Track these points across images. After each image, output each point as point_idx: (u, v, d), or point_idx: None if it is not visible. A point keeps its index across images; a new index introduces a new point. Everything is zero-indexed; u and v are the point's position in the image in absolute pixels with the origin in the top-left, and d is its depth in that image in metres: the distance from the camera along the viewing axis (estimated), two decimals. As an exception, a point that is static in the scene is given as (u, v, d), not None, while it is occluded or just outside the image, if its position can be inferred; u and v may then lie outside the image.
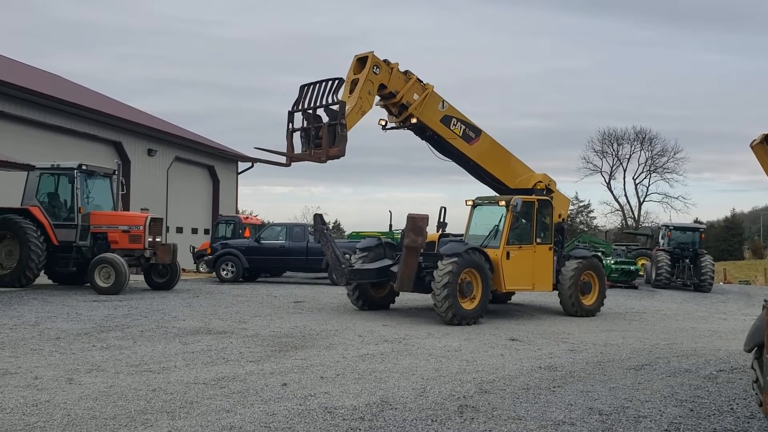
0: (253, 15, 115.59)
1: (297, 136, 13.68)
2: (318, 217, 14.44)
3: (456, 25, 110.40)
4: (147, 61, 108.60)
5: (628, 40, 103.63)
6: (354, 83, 13.61)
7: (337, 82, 13.24)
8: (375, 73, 13.66)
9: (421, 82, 14.52)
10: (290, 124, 13.71)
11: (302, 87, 13.59)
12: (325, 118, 13.22)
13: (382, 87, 13.97)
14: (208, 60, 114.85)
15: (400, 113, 14.54)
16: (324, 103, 13.25)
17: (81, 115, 24.28)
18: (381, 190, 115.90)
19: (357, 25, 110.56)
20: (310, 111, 13.45)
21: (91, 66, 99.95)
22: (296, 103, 13.65)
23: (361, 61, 13.81)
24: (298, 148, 13.71)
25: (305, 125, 13.54)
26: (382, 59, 13.90)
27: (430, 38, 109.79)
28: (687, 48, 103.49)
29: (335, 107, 13.03)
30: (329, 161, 13.28)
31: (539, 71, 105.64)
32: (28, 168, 17.50)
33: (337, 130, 12.93)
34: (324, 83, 13.32)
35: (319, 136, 13.17)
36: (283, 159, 13.76)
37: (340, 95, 13.33)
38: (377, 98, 14.40)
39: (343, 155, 13.13)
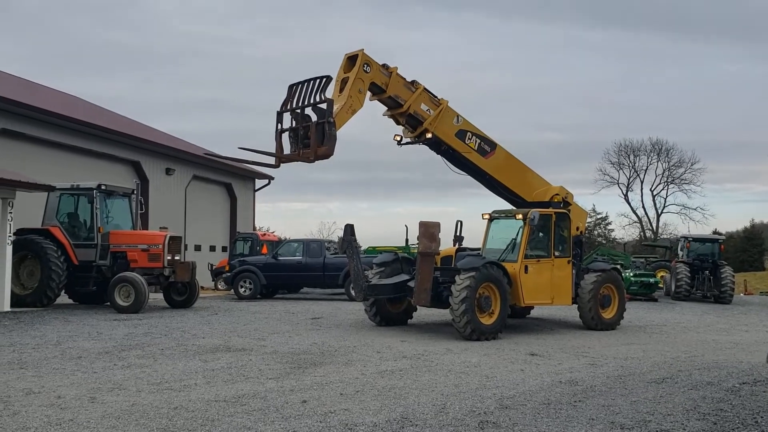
0: (274, 35, 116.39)
1: (286, 136, 13.31)
2: (348, 228, 14.35)
3: (473, 41, 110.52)
4: (170, 81, 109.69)
5: (646, 52, 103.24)
6: (344, 82, 13.32)
7: (324, 79, 12.85)
8: (365, 72, 13.34)
9: (436, 97, 14.52)
10: (279, 125, 13.34)
11: (291, 86, 13.26)
12: (314, 117, 12.89)
13: (379, 90, 13.72)
14: (230, 80, 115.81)
15: (414, 128, 14.55)
16: (312, 101, 12.91)
17: (100, 136, 24.58)
18: (397, 204, 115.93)
19: (376, 43, 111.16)
20: (299, 110, 13.10)
21: (115, 88, 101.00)
22: (284, 103, 13.30)
23: (352, 60, 13.50)
24: (288, 149, 13.34)
25: (294, 125, 13.21)
26: (380, 63, 13.68)
27: (448, 54, 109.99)
28: (708, 59, 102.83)
29: (323, 105, 12.73)
30: (318, 161, 12.94)
31: (556, 85, 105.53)
32: (49, 189, 17.73)
33: (325, 129, 12.62)
34: (312, 81, 12.95)
35: (308, 135, 12.85)
36: (271, 160, 13.42)
37: (330, 94, 13.04)
38: (385, 109, 14.34)
39: (332, 154, 12.78)
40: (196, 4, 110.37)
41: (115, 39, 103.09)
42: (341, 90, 13.28)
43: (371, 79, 13.49)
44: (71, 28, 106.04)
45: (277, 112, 13.37)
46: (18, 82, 27.36)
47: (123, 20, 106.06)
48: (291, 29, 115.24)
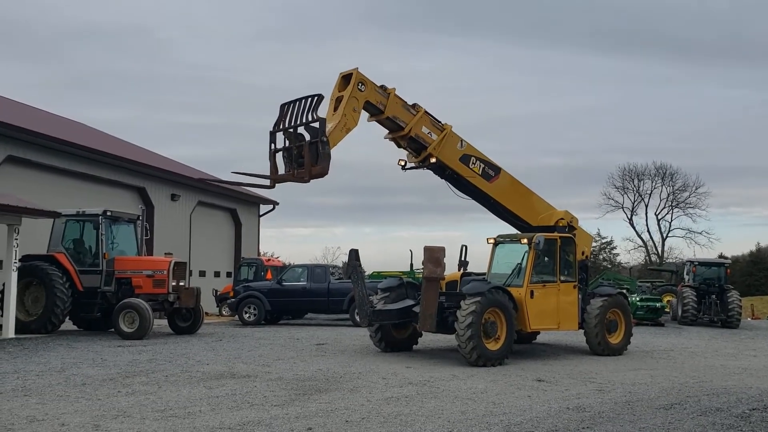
0: (279, 62, 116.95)
1: (280, 156, 13.19)
2: (353, 253, 14.32)
3: (478, 67, 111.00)
4: (175, 108, 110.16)
5: (650, 77, 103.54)
6: (339, 101, 13.27)
7: (316, 98, 12.76)
8: (360, 90, 13.27)
9: (439, 122, 14.59)
10: (272, 145, 13.21)
11: (282, 106, 13.17)
12: (308, 137, 12.79)
13: (377, 111, 13.70)
14: (235, 106, 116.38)
15: (417, 152, 14.59)
16: (304, 120, 12.81)
17: (105, 162, 24.71)
18: (402, 229, 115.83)
19: (382, 68, 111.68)
20: (291, 130, 12.99)
21: (122, 114, 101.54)
22: (277, 122, 13.18)
23: (346, 79, 13.46)
24: (282, 169, 13.22)
25: (287, 145, 13.11)
26: (378, 84, 13.67)
27: (453, 80, 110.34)
28: (710, 84, 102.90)
29: (315, 124, 12.65)
30: (312, 180, 12.79)
31: (561, 110, 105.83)
32: (54, 215, 17.78)
33: (319, 148, 12.52)
34: (303, 100, 12.87)
35: (302, 155, 12.75)
36: (266, 181, 13.31)
37: (324, 113, 12.98)
38: (386, 132, 14.37)
39: (326, 173, 12.66)
40: (202, 33, 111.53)
41: (123, 67, 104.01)
42: (336, 109, 13.25)
43: (366, 97, 13.44)
44: (80, 56, 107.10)
45: (270, 132, 13.27)
46: (23, 109, 27.57)
47: (131, 49, 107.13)
48: (296, 56, 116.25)
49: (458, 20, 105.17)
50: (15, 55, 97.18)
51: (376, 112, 13.87)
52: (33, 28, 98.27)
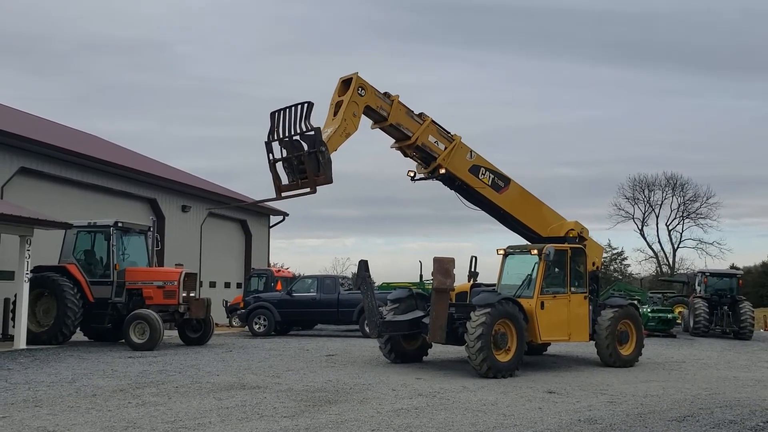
0: (289, 74, 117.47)
1: (280, 165, 13.08)
2: (362, 264, 14.33)
3: (488, 79, 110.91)
4: (189, 121, 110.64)
5: (661, 88, 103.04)
6: (339, 105, 13.24)
7: (306, 105, 12.64)
8: (360, 95, 13.22)
9: (448, 132, 14.61)
10: (270, 155, 13.06)
11: (273, 114, 13.04)
12: (305, 146, 12.68)
13: (380, 118, 13.70)
14: (245, 118, 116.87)
15: (426, 163, 14.61)
16: (298, 130, 12.71)
17: (117, 174, 24.86)
18: (412, 240, 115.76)
19: (388, 82, 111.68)
20: (287, 139, 12.87)
21: (135, 127, 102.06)
22: (271, 132, 12.98)
23: (346, 84, 13.41)
24: (284, 178, 13.16)
25: (285, 155, 12.98)
26: (382, 92, 13.65)
27: (464, 92, 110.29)
28: (722, 94, 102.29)
29: (311, 133, 12.58)
30: (319, 188, 12.71)
31: (571, 120, 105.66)
32: (66, 226, 17.88)
33: (318, 158, 12.48)
34: (294, 108, 12.75)
35: (302, 161, 12.65)
36: (273, 194, 13.28)
37: (324, 118, 12.90)
38: (393, 141, 14.39)
39: (331, 181, 12.61)
40: (216, 47, 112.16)
41: (137, 80, 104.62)
42: (335, 114, 13.22)
43: (366, 102, 13.40)
44: (95, 69, 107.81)
45: (265, 142, 13.12)
46: (35, 121, 27.79)
47: (145, 63, 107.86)
48: (308, 69, 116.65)
49: (468, 34, 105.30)
50: (31, 68, 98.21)
51: (379, 119, 13.87)
52: (50, 42, 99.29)
